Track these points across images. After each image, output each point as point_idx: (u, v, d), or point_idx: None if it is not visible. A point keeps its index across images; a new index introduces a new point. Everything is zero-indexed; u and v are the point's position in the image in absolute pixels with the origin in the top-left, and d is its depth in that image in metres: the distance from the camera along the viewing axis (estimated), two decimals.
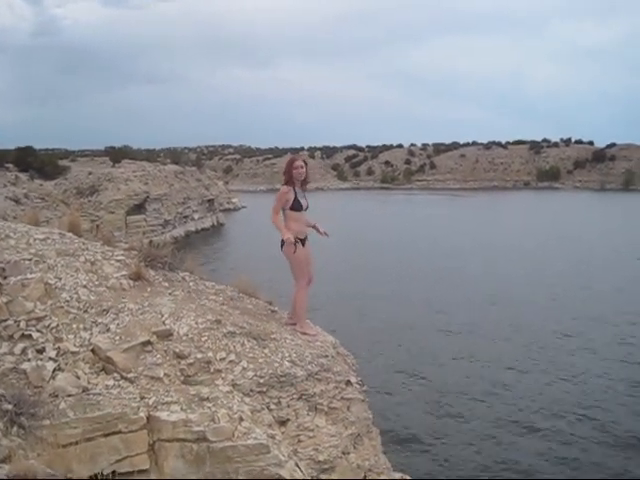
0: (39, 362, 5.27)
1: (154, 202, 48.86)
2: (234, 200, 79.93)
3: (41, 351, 5.40)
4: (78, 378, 5.27)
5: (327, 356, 6.65)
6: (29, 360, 5.27)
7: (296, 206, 7.11)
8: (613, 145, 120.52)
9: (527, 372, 19.41)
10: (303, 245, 7.14)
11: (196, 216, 56.98)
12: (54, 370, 5.26)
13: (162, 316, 6.13)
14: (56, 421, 4.69)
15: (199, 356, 5.80)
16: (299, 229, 7.11)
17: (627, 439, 14.93)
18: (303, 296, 7.25)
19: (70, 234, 7.67)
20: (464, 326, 24.28)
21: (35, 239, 6.96)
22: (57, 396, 5.00)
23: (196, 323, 6.19)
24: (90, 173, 48.02)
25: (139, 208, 47.06)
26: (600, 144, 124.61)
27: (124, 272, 6.87)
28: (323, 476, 6.01)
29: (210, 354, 5.87)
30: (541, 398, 17.37)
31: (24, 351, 5.34)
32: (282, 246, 7.12)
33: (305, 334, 7.04)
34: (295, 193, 7.12)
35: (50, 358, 5.36)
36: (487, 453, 14.29)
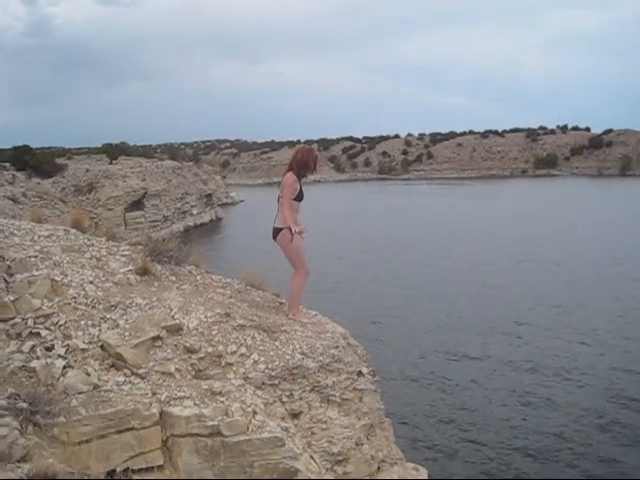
0: (48, 360, 5.18)
1: (152, 198, 48.78)
2: (232, 194, 79.75)
3: (50, 349, 5.32)
4: (88, 375, 5.20)
5: (338, 347, 6.58)
6: (38, 358, 5.19)
7: (299, 197, 7.09)
8: (610, 131, 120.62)
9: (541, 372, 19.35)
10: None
11: (195, 211, 56.91)
12: (64, 367, 5.19)
13: (171, 310, 6.07)
14: (69, 419, 4.63)
15: (210, 350, 5.74)
16: (296, 219, 7.09)
17: None
18: (301, 284, 7.19)
19: (74, 230, 7.61)
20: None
21: (40, 236, 6.89)
22: (68, 394, 4.93)
23: (205, 317, 6.13)
24: (87, 170, 47.82)
25: (137, 204, 46.98)
26: (597, 130, 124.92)
27: (130, 267, 6.80)
28: (337, 467, 5.97)
29: (221, 348, 5.81)
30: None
31: (33, 349, 5.26)
32: (275, 236, 7.06)
33: (298, 321, 6.98)
34: (300, 184, 7.09)
35: (59, 355, 5.29)
36: (498, 444, 14.25)
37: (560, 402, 16.14)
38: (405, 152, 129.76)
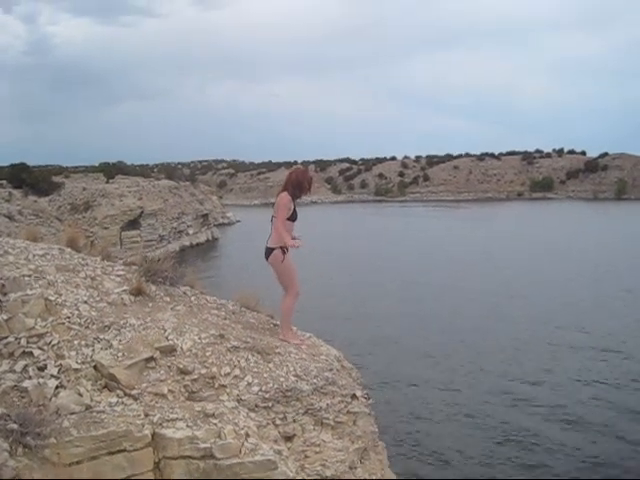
0: (41, 380, 5.15)
1: (149, 217, 48.79)
2: (228, 214, 79.84)
3: (42, 368, 5.28)
4: (81, 395, 5.16)
5: (332, 370, 6.58)
6: (30, 378, 5.15)
7: (293, 217, 7.13)
8: (605, 155, 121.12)
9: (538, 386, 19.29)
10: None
11: (191, 231, 56.87)
12: (56, 388, 5.15)
13: (165, 331, 6.05)
14: (60, 440, 4.59)
15: (203, 371, 5.71)
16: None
17: None
18: (291, 305, 7.22)
19: (69, 249, 7.59)
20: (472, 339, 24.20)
21: (34, 255, 6.87)
22: (60, 414, 4.89)
23: (199, 338, 6.11)
24: (84, 189, 47.92)
25: (134, 224, 46.97)
26: (592, 154, 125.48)
27: (125, 287, 6.78)
28: None
29: (214, 369, 5.79)
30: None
31: (25, 369, 5.22)
32: (267, 256, 7.10)
33: (287, 342, 6.98)
34: (294, 204, 7.14)
35: (52, 375, 5.25)
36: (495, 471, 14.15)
37: (555, 438, 15.89)
38: (401, 174, 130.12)
